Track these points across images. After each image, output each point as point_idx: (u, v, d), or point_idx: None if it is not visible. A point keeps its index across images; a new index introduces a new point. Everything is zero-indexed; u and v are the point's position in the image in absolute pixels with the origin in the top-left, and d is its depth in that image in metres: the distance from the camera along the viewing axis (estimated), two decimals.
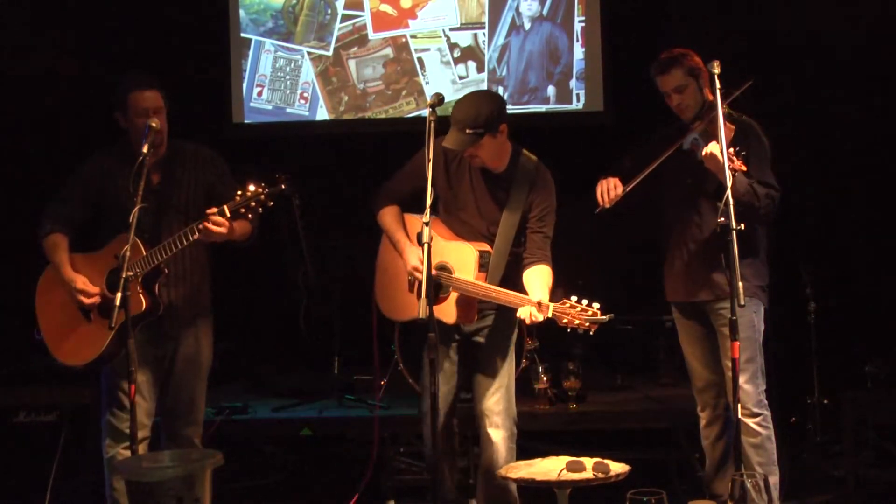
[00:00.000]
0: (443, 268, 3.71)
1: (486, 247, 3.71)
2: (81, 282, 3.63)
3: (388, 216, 3.86)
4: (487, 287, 3.62)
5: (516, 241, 3.75)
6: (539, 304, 3.45)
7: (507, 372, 3.82)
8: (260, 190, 3.53)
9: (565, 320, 3.44)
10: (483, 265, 3.67)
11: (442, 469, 3.95)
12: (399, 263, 3.80)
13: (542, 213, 3.76)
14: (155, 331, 3.70)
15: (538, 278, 3.65)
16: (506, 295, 3.59)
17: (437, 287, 3.68)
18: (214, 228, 3.51)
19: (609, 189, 3.78)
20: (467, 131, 3.55)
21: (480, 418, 3.79)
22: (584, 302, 3.43)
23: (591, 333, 3.45)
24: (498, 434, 3.76)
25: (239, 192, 3.55)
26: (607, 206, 3.77)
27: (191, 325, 3.79)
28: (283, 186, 3.56)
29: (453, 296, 3.67)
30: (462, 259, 3.68)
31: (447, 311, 3.68)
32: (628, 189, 3.74)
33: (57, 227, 3.73)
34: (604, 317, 3.41)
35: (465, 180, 3.77)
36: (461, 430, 4.33)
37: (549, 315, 3.45)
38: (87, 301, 3.62)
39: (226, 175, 3.86)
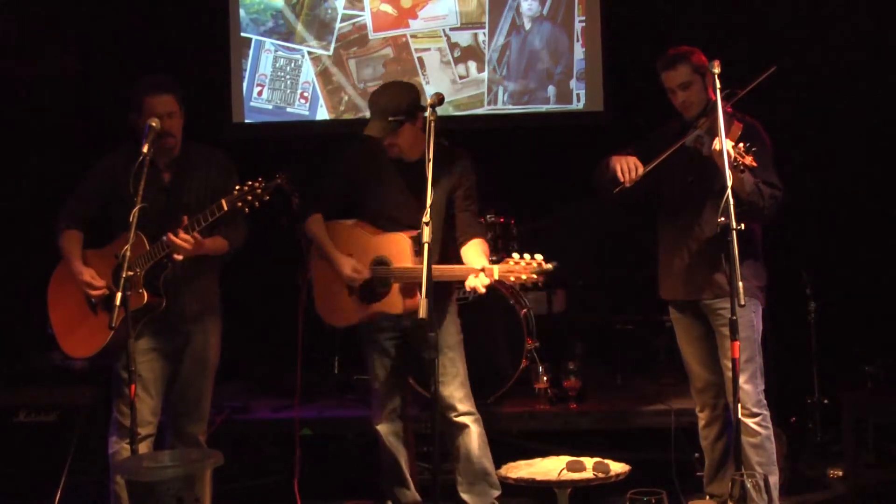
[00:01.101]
0: (381, 262, 3.78)
1: (416, 232, 3.72)
2: (89, 274, 3.69)
3: (315, 225, 3.93)
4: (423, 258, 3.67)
5: (446, 221, 3.82)
6: (483, 269, 3.52)
7: (461, 359, 3.88)
8: (257, 184, 3.56)
9: (512, 278, 3.49)
10: (418, 249, 3.72)
11: (402, 470, 4.00)
12: (332, 270, 3.86)
13: (467, 191, 3.83)
14: (163, 326, 3.73)
15: (475, 250, 3.72)
16: (449, 270, 3.65)
17: (381, 283, 3.77)
18: (179, 242, 3.54)
19: (630, 168, 3.69)
20: (389, 119, 3.65)
21: (444, 409, 3.80)
22: (527, 256, 3.48)
23: (539, 285, 3.50)
24: (465, 419, 3.83)
25: (237, 187, 3.58)
26: (628, 185, 3.68)
27: (199, 321, 3.82)
28: (278, 180, 3.60)
29: (395, 286, 3.73)
30: (397, 248, 3.74)
31: (393, 303, 3.75)
32: (649, 169, 3.68)
33: (71, 224, 3.81)
34: (548, 265, 3.46)
35: (382, 176, 3.84)
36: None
37: (497, 277, 3.50)
38: (93, 293, 3.68)
39: (234, 181, 3.83)
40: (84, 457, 4.46)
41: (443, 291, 3.90)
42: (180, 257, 3.59)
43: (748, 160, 3.34)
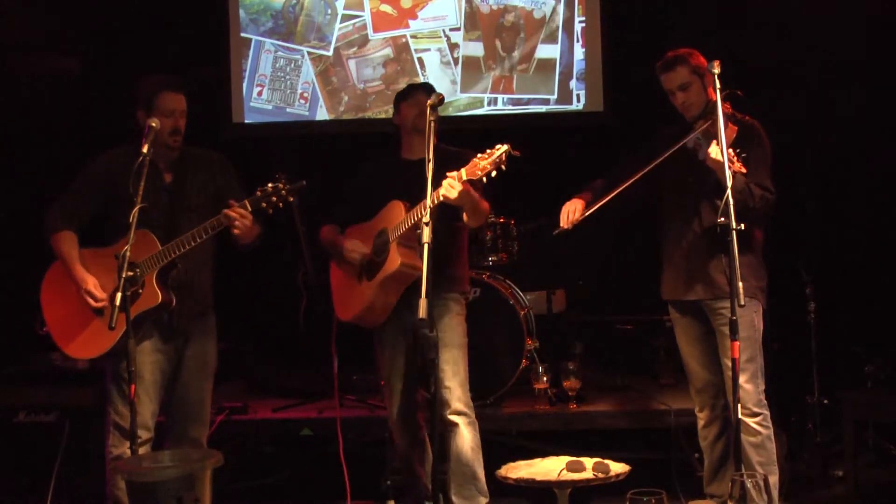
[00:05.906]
0: (380, 234, 3.88)
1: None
2: (92, 283, 3.63)
3: (326, 232, 4.06)
4: (416, 208, 3.69)
5: (441, 222, 3.72)
6: (451, 178, 3.53)
7: (462, 359, 3.89)
8: (281, 185, 3.53)
9: (479, 172, 3.47)
10: (410, 207, 3.80)
11: (414, 467, 4.02)
12: (345, 265, 3.98)
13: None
14: (163, 326, 3.69)
15: None
16: (431, 199, 3.57)
17: (380, 252, 3.84)
18: (238, 218, 3.51)
19: (570, 211, 3.85)
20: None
21: (439, 407, 3.79)
22: (487, 151, 3.49)
23: (503, 168, 3.46)
24: (460, 419, 3.82)
25: (260, 188, 3.56)
26: (567, 227, 3.83)
27: (198, 321, 3.78)
28: (304, 182, 3.58)
29: (392, 246, 3.80)
30: (392, 214, 3.84)
31: (392, 261, 3.79)
32: (588, 213, 3.80)
33: (66, 224, 3.72)
34: (501, 147, 3.46)
35: (387, 180, 3.96)
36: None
37: (465, 177, 3.50)
38: (93, 304, 3.62)
39: (235, 181, 3.88)
40: (83, 458, 4.46)
41: (448, 289, 3.91)
42: (238, 232, 3.57)
43: (737, 166, 3.40)
